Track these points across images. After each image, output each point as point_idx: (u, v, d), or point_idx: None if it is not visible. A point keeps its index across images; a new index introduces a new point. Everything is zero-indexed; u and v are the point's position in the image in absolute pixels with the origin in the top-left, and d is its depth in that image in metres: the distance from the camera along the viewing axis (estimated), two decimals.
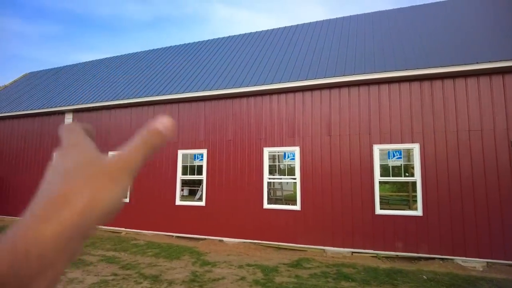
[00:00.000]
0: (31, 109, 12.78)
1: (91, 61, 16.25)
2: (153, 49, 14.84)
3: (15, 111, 13.19)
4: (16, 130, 13.28)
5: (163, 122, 0.34)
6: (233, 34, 13.52)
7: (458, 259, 6.95)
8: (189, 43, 14.18)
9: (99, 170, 0.30)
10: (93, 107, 11.45)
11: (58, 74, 15.89)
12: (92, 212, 0.28)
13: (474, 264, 6.77)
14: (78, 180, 0.29)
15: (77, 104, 11.76)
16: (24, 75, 17.81)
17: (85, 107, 11.58)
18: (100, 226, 0.30)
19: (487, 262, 6.77)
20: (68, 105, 11.89)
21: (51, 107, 12.27)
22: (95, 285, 5.56)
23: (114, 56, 15.75)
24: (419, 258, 7.23)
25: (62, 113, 12.18)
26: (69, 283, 5.65)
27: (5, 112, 13.45)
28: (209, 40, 13.80)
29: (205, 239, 9.07)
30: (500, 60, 7.05)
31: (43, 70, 17.54)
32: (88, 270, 6.42)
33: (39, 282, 0.25)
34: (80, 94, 12.54)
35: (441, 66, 7.47)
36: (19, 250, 0.24)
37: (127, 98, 10.80)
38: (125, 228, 10.20)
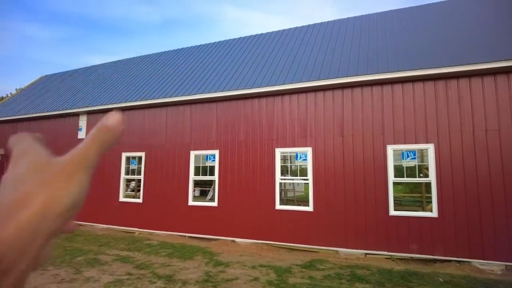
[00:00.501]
0: (46, 111, 13.05)
1: (104, 63, 16.51)
2: (165, 51, 14.99)
3: (32, 113, 13.49)
4: (32, 132, 13.53)
5: (112, 118, 0.34)
6: (244, 35, 13.55)
7: (476, 262, 6.81)
8: (201, 44, 14.28)
9: (52, 171, 0.30)
10: (106, 108, 11.62)
11: (72, 76, 16.19)
12: (49, 210, 0.28)
13: (492, 267, 6.62)
14: (31, 184, 0.29)
15: (91, 106, 11.96)
16: (40, 78, 18.20)
17: (98, 109, 11.76)
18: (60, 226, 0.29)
19: (506, 265, 6.61)
20: (82, 107, 12.10)
21: (65, 109, 12.51)
22: (110, 284, 5.64)
23: (126, 59, 15.96)
24: (435, 260, 7.11)
25: (77, 115, 12.40)
26: (86, 282, 5.75)
27: (22, 114, 13.77)
28: (220, 41, 13.87)
29: (218, 239, 9.10)
30: None
31: (58, 73, 17.90)
32: (104, 269, 6.51)
33: (1, 283, 0.25)
34: (93, 96, 12.76)
35: (456, 65, 7.34)
36: None
37: (139, 100, 10.93)
38: (138, 228, 10.31)
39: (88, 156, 0.32)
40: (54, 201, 0.28)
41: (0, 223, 0.25)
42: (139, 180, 10.85)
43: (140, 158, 10.75)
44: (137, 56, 15.65)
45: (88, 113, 12.17)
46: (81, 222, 11.50)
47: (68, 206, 0.29)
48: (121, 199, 10.90)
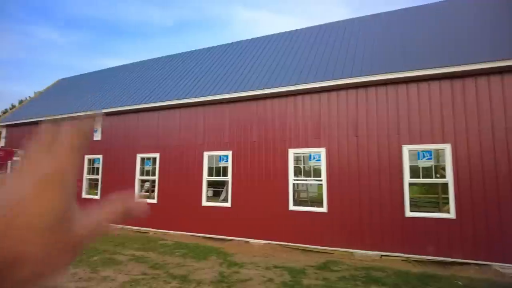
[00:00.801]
0: (63, 114, 13.34)
1: (117, 66, 16.79)
2: (177, 54, 15.14)
3: (49, 115, 13.81)
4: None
5: (137, 206, 0.35)
6: (256, 37, 13.57)
7: (496, 265, 6.62)
8: (212, 46, 14.36)
9: (61, 237, 0.29)
10: (120, 110, 11.81)
11: (88, 79, 16.52)
12: (39, 278, 0.28)
13: None
14: (33, 244, 0.28)
15: (105, 108, 12.17)
16: (56, 82, 18.64)
17: (113, 111, 11.96)
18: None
19: None
20: (98, 109, 12.32)
21: (81, 111, 12.76)
22: (126, 284, 5.71)
23: (139, 61, 16.19)
24: (453, 263, 6.94)
25: None
26: (103, 281, 5.84)
27: (39, 117, 14.11)
28: (231, 43, 13.92)
29: (231, 240, 9.12)
30: None
31: (74, 76, 18.30)
32: (119, 269, 6.60)
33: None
34: (108, 98, 12.98)
35: (473, 63, 7.17)
36: None
37: (154, 102, 11.06)
38: (153, 228, 10.42)
39: (94, 236, 0.33)
40: (47, 272, 0.28)
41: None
42: (154, 181, 10.98)
43: (154, 159, 10.87)
44: (150, 59, 15.86)
45: (104, 114, 12.38)
46: None
47: (52, 274, 0.29)
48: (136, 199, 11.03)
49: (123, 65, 16.59)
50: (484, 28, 8.41)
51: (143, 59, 16.42)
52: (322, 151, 8.48)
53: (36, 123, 14.36)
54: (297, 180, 8.85)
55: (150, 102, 11.15)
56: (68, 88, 16.43)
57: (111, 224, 0.33)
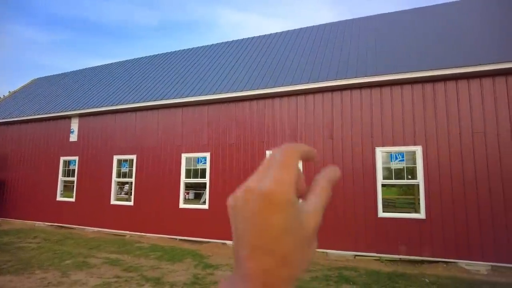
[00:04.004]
0: (38, 114, 13.00)
1: (97, 66, 16.49)
2: (158, 54, 15.01)
3: (22, 116, 13.43)
4: (23, 135, 13.52)
5: (334, 172, 0.36)
6: (237, 39, 13.61)
7: (462, 263, 6.88)
8: (193, 47, 14.32)
9: (302, 234, 0.31)
10: (98, 111, 11.61)
11: (65, 79, 16.15)
12: (299, 274, 0.31)
13: (478, 267, 6.69)
14: (289, 245, 0.30)
15: (83, 108, 11.94)
16: (32, 81, 18.13)
17: (90, 112, 11.74)
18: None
19: (492, 266, 6.68)
20: (74, 110, 12.08)
21: (57, 112, 12.47)
22: (97, 287, 5.63)
23: (119, 61, 15.96)
24: (422, 262, 7.17)
25: (69, 117, 12.37)
26: (73, 285, 5.73)
27: (12, 117, 13.70)
28: (213, 44, 13.91)
29: (208, 242, 9.10)
30: (503, 62, 7.00)
31: (50, 75, 17.85)
32: (92, 272, 6.49)
33: None
34: (86, 99, 12.73)
35: (443, 68, 7.45)
36: None
37: (131, 103, 10.93)
38: (129, 231, 10.28)
39: (320, 222, 0.34)
40: (303, 266, 0.31)
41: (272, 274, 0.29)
42: (130, 183, 10.83)
43: (131, 161, 10.73)
44: (130, 59, 15.66)
45: (80, 115, 12.14)
46: (71, 225, 11.45)
47: (300, 271, 0.31)
48: (112, 202, 10.87)
49: (103, 65, 16.31)
50: (451, 36, 8.74)
51: (124, 59, 16.18)
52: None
53: (7, 123, 13.94)
54: None
55: (127, 103, 11.01)
56: (43, 88, 16.01)
57: (327, 199, 0.35)
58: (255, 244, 0.30)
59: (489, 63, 7.09)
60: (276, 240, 0.29)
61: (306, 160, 0.36)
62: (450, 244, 7.02)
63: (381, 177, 7.77)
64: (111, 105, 11.32)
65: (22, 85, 17.92)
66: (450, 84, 7.54)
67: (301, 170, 0.34)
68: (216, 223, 9.12)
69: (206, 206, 9.40)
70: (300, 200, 0.34)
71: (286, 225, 0.30)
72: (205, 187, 9.60)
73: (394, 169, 7.83)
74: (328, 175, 0.36)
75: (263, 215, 0.30)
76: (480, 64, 7.15)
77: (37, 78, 18.25)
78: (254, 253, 0.29)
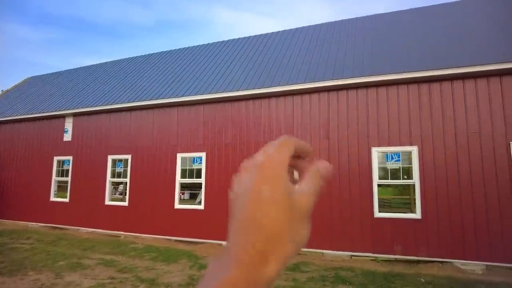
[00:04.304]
0: (31, 113, 12.85)
1: (92, 65, 16.35)
2: (153, 53, 14.91)
3: (16, 115, 13.27)
4: (16, 134, 13.35)
5: (326, 168, 0.37)
6: (231, 38, 13.57)
7: (457, 262, 6.90)
8: (189, 47, 14.25)
9: (294, 210, 0.32)
10: (92, 110, 11.50)
11: (59, 78, 15.98)
12: (291, 254, 0.31)
13: (473, 267, 6.72)
14: (279, 219, 0.31)
15: (77, 108, 11.82)
16: (25, 80, 17.93)
17: (84, 111, 11.63)
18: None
19: (486, 265, 6.72)
20: (68, 109, 11.95)
21: (51, 111, 12.34)
22: None
23: (114, 60, 15.84)
24: (418, 262, 7.18)
25: (63, 117, 12.24)
26: (66, 287, 5.66)
27: (6, 116, 13.53)
28: (209, 43, 13.86)
29: (204, 243, 9.05)
30: (498, 62, 7.04)
31: (44, 74, 17.66)
32: (86, 274, 6.42)
33: None
34: (80, 98, 12.61)
35: (439, 69, 7.47)
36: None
37: (126, 102, 10.84)
38: (124, 232, 10.19)
39: (312, 204, 0.35)
40: (296, 244, 0.32)
41: (263, 259, 0.29)
42: (125, 183, 10.74)
43: (126, 160, 10.64)
44: (125, 58, 15.54)
45: (75, 115, 12.02)
46: (65, 226, 11.34)
47: (296, 250, 0.32)
48: (107, 202, 10.77)
49: (97, 64, 16.18)
50: (446, 36, 8.78)
51: (120, 58, 16.05)
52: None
53: (0, 123, 13.77)
54: None
55: (122, 102, 10.92)
56: (37, 87, 15.83)
57: (319, 188, 0.36)
58: (246, 216, 0.31)
59: (484, 64, 7.13)
60: (265, 213, 0.30)
61: (301, 153, 0.38)
62: (445, 244, 7.04)
63: (377, 177, 7.77)
64: (106, 105, 11.22)
65: (15, 84, 17.72)
66: (446, 84, 7.57)
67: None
68: (211, 223, 9.07)
69: (201, 207, 9.35)
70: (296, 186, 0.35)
71: (275, 197, 0.31)
72: (201, 187, 9.54)
73: (390, 169, 7.84)
74: (321, 168, 0.37)
75: (255, 186, 0.31)
76: (475, 65, 7.19)
77: (31, 77, 18.05)
78: (244, 225, 0.30)
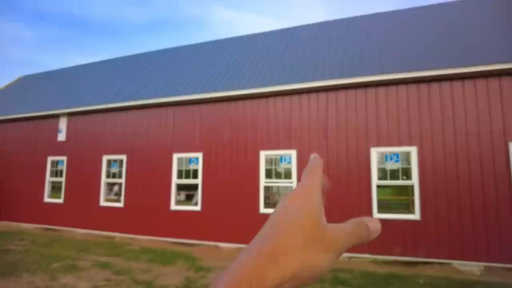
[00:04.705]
0: (24, 113, 12.65)
1: (86, 64, 16.16)
2: (149, 52, 14.78)
3: (8, 114, 13.06)
4: (9, 134, 13.14)
5: (375, 224, 0.37)
6: (229, 37, 13.48)
7: (456, 263, 6.88)
8: (186, 45, 14.14)
9: (317, 236, 0.32)
10: (87, 110, 11.34)
11: (53, 77, 15.78)
12: (300, 273, 0.30)
13: (472, 267, 6.71)
14: (296, 238, 0.31)
15: (71, 107, 11.65)
16: (18, 79, 17.69)
17: (79, 111, 11.47)
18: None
19: (485, 266, 6.70)
20: (62, 109, 11.77)
21: (44, 111, 12.15)
22: None
23: (108, 59, 15.67)
24: (417, 263, 7.15)
25: (56, 116, 12.06)
26: None
27: None
28: (206, 42, 13.77)
29: (201, 244, 8.95)
30: (497, 63, 7.03)
31: (37, 73, 17.43)
32: (81, 276, 6.31)
33: None
34: (74, 98, 12.44)
35: (438, 69, 7.45)
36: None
37: (121, 101, 10.70)
38: (119, 233, 10.06)
39: (347, 244, 0.34)
40: (305, 268, 0.30)
41: (266, 266, 0.29)
42: (120, 184, 10.60)
43: (121, 161, 10.50)
44: (120, 57, 15.38)
45: (69, 114, 11.85)
46: (59, 227, 11.17)
47: (310, 277, 0.31)
48: (102, 203, 10.62)
49: (91, 63, 16.00)
50: (445, 35, 8.77)
51: (115, 56, 15.87)
52: (293, 153, 8.51)
53: None
54: (268, 182, 8.82)
55: (117, 102, 10.78)
56: (30, 86, 15.61)
57: (359, 240, 0.36)
58: (267, 223, 0.34)
59: (483, 64, 7.12)
60: (285, 220, 0.32)
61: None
62: (444, 244, 7.02)
63: (376, 178, 7.74)
64: (101, 104, 11.07)
65: (8, 83, 17.47)
66: (445, 84, 7.55)
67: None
68: (208, 225, 8.98)
69: (198, 208, 9.25)
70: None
71: (299, 212, 0.33)
72: (197, 188, 9.44)
73: (389, 169, 7.80)
74: (372, 224, 0.37)
75: (286, 202, 0.35)
76: (475, 65, 7.17)
77: (23, 76, 17.81)
78: (262, 231, 0.33)
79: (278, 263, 0.29)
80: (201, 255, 7.99)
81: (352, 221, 0.36)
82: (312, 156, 0.42)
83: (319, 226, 0.33)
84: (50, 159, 11.89)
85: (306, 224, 0.32)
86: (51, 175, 11.83)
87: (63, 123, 11.94)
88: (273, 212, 0.35)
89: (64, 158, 11.57)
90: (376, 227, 0.37)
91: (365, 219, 0.37)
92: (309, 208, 0.33)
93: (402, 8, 11.39)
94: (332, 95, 8.43)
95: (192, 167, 9.55)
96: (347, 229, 0.35)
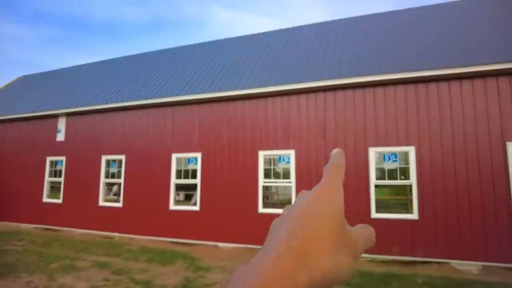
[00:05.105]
0: (23, 113, 12.64)
1: (85, 64, 16.16)
2: (148, 52, 14.78)
3: (8, 114, 13.05)
4: (8, 134, 13.13)
5: (373, 231, 0.37)
6: (228, 37, 13.49)
7: (454, 262, 6.90)
8: (183, 46, 14.15)
9: (343, 239, 0.31)
10: (86, 110, 11.35)
11: (52, 77, 15.77)
12: (328, 277, 0.29)
13: (470, 267, 6.73)
14: (325, 240, 0.30)
15: (70, 107, 11.66)
16: (17, 79, 17.68)
17: (78, 111, 11.47)
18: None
19: (483, 265, 6.72)
20: (61, 109, 11.78)
21: (43, 111, 12.15)
22: None
23: (107, 59, 15.67)
24: (415, 262, 7.17)
25: (55, 116, 12.07)
26: None
27: None
28: (205, 42, 13.77)
29: (200, 244, 8.96)
30: (494, 63, 7.06)
31: (37, 73, 17.43)
32: (79, 276, 6.31)
33: None
34: (73, 98, 12.44)
35: (436, 69, 7.47)
36: None
37: (120, 102, 10.71)
38: (118, 233, 10.06)
39: (363, 250, 0.34)
40: (331, 272, 0.29)
41: (299, 268, 0.27)
42: (119, 184, 10.61)
43: (120, 161, 10.51)
44: (119, 57, 15.38)
45: (68, 114, 11.85)
46: (58, 227, 11.17)
47: (333, 281, 0.30)
48: (101, 203, 10.63)
49: (91, 63, 16.00)
50: (443, 36, 8.80)
51: (114, 57, 15.87)
52: (292, 153, 8.52)
53: None
54: (266, 182, 8.84)
55: (116, 102, 10.79)
56: (29, 86, 15.61)
57: (369, 244, 0.36)
58: (292, 215, 0.31)
59: (481, 64, 7.14)
60: (316, 214, 0.31)
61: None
62: (442, 244, 7.04)
63: (374, 178, 7.75)
64: (100, 104, 11.07)
65: (7, 83, 17.46)
66: (443, 84, 7.57)
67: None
68: (207, 224, 8.99)
69: (197, 208, 9.26)
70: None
71: (332, 207, 0.31)
72: (196, 188, 9.45)
73: (387, 169, 7.82)
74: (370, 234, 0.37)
75: (314, 195, 0.33)
76: (472, 65, 7.20)
77: (22, 76, 17.80)
78: (286, 225, 0.30)
79: (309, 264, 0.28)
80: (200, 255, 8.00)
81: (362, 226, 0.36)
82: (335, 151, 0.40)
83: (345, 229, 0.32)
84: (49, 159, 11.89)
85: (334, 226, 0.31)
86: (50, 175, 11.83)
87: (62, 123, 11.94)
88: (294, 206, 0.33)
89: (63, 158, 11.57)
90: (374, 234, 0.37)
91: (372, 230, 0.37)
92: (336, 209, 0.32)
93: (400, 8, 11.41)
94: (330, 95, 8.45)
95: (191, 167, 9.56)
96: (363, 234, 0.35)
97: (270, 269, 0.27)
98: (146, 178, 9.99)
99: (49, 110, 12.06)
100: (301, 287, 0.27)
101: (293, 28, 12.27)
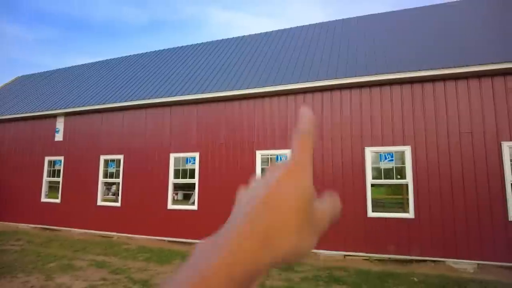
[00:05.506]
0: (22, 113, 12.65)
1: (83, 64, 16.16)
2: (146, 52, 14.80)
3: (6, 114, 13.06)
4: (6, 134, 13.14)
5: (336, 200, 0.37)
6: (226, 38, 13.52)
7: (450, 261, 6.96)
8: (182, 46, 14.17)
9: (309, 219, 0.31)
10: (84, 110, 11.37)
11: (51, 77, 15.77)
12: (289, 256, 0.30)
13: (465, 266, 6.78)
14: (291, 220, 0.30)
15: (68, 107, 11.67)
16: (15, 78, 17.67)
17: (76, 111, 11.49)
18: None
19: (478, 264, 6.78)
20: (60, 109, 11.79)
21: (42, 111, 12.16)
22: None
23: (106, 60, 15.68)
24: (411, 261, 7.22)
25: (54, 116, 12.08)
26: None
27: None
28: (202, 43, 13.80)
29: (198, 243, 8.98)
30: (489, 63, 7.11)
31: (35, 73, 17.42)
32: (77, 275, 6.33)
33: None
34: (71, 98, 12.45)
35: (431, 69, 7.53)
36: (237, 272, 0.27)
37: (118, 102, 10.74)
38: (117, 232, 10.09)
39: (326, 227, 0.34)
40: (296, 250, 0.30)
41: (261, 245, 0.28)
42: (118, 184, 10.63)
43: (118, 161, 10.53)
44: (117, 57, 15.39)
45: (66, 114, 11.86)
46: (56, 227, 11.18)
47: (296, 258, 0.31)
48: (99, 203, 10.65)
49: (89, 63, 16.00)
50: (439, 36, 8.85)
51: (112, 57, 15.88)
52: (289, 153, 8.54)
53: None
54: None
55: (115, 102, 10.81)
56: (27, 86, 15.60)
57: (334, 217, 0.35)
58: (256, 199, 0.31)
59: (476, 65, 7.20)
60: (282, 198, 0.30)
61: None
62: (438, 243, 7.10)
63: (371, 177, 7.80)
64: (98, 104, 11.10)
65: (5, 83, 17.45)
66: (438, 84, 7.62)
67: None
68: (205, 224, 9.02)
69: (195, 207, 9.29)
70: None
71: (298, 190, 0.31)
72: (194, 188, 9.48)
73: (383, 169, 7.87)
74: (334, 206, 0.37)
75: (278, 178, 0.31)
76: (467, 66, 7.25)
77: (21, 76, 17.79)
78: (249, 208, 0.30)
79: (273, 244, 0.29)
80: None
81: (328, 200, 0.36)
82: (303, 112, 0.37)
83: (312, 208, 0.32)
84: (47, 159, 11.90)
85: (301, 206, 0.31)
86: (48, 175, 11.85)
87: (60, 123, 11.95)
88: (260, 181, 0.34)
89: (61, 158, 11.59)
90: (339, 206, 0.37)
91: (336, 199, 0.37)
92: (304, 188, 0.31)
93: (397, 9, 11.47)
94: (327, 95, 8.49)
95: (188, 166, 9.59)
96: (329, 211, 0.35)
97: (235, 248, 0.28)
98: (144, 178, 10.02)
99: (47, 110, 12.07)
100: (264, 266, 0.28)
101: (291, 28, 12.31)
